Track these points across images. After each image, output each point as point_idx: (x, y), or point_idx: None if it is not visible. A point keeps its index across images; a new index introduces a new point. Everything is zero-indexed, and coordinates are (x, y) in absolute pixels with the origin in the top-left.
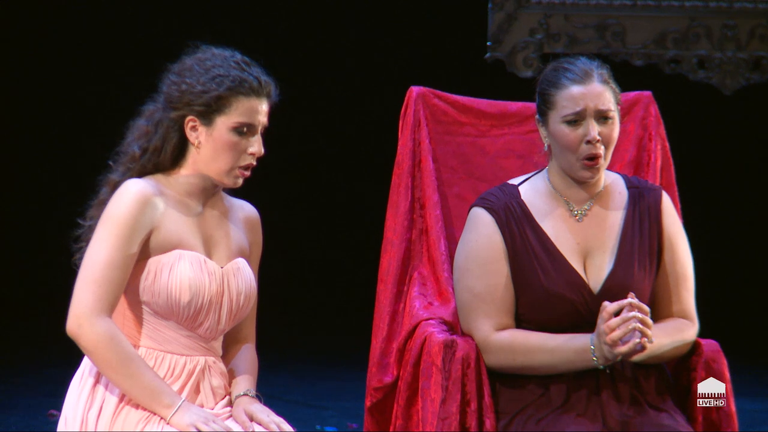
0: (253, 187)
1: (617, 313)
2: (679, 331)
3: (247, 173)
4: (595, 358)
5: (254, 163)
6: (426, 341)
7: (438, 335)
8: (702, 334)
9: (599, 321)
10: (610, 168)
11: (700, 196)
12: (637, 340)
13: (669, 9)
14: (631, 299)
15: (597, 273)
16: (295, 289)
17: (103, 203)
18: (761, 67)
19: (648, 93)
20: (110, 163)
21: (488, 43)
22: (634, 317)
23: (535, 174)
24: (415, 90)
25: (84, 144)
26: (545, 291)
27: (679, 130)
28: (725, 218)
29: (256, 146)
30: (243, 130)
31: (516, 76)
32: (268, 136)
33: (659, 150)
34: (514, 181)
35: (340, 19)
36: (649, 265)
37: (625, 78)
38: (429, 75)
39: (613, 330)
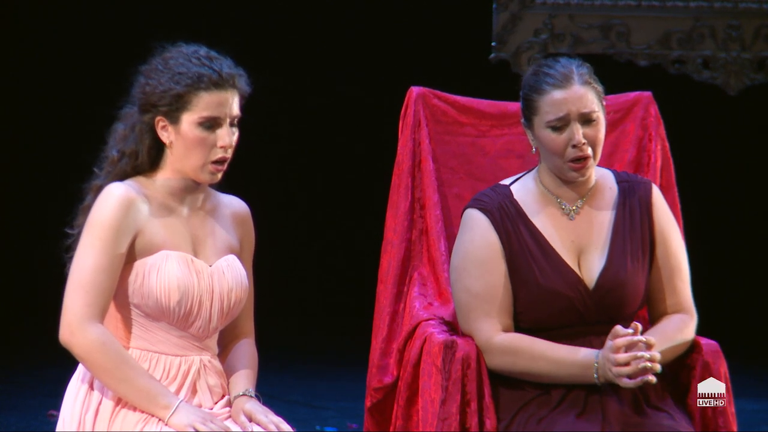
0: (252, 186)
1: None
2: (679, 331)
3: (222, 167)
4: (596, 376)
5: (227, 156)
6: (426, 342)
7: (438, 336)
8: (702, 334)
9: (607, 346)
10: (608, 168)
11: (703, 197)
12: (646, 378)
13: (673, 9)
14: (641, 336)
15: (591, 269)
16: (295, 289)
17: (89, 209)
18: (766, 67)
19: (648, 93)
20: (95, 169)
21: (493, 44)
22: (643, 357)
23: (525, 174)
24: (415, 90)
25: (81, 147)
26: (542, 288)
27: (683, 130)
28: (728, 218)
29: (226, 139)
30: (209, 124)
31: (520, 77)
32: (267, 136)
33: (659, 150)
34: (506, 182)
35: (352, 18)
36: (642, 257)
37: (629, 78)
38: (433, 75)
39: (622, 365)
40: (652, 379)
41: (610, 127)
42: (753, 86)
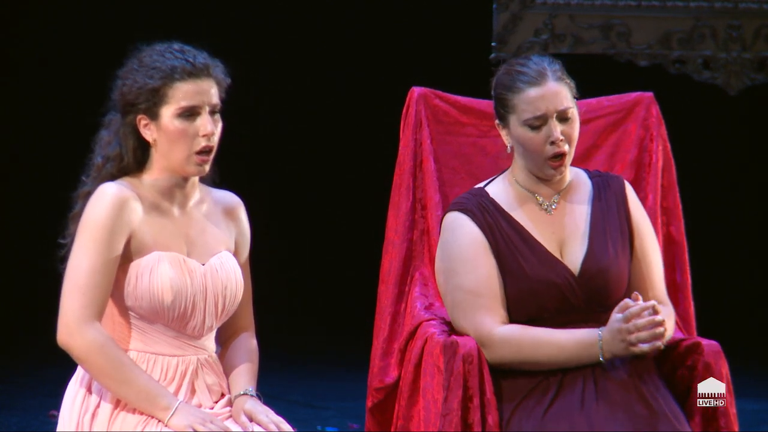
0: (252, 186)
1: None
2: (669, 319)
3: (207, 158)
4: (601, 352)
5: (211, 144)
6: (427, 342)
7: (439, 336)
8: (702, 334)
9: (616, 318)
10: (611, 169)
11: (703, 197)
12: (658, 343)
13: (674, 9)
14: (653, 302)
15: (574, 258)
16: (296, 290)
17: (79, 217)
18: (766, 67)
19: (649, 94)
20: (83, 177)
21: (493, 44)
22: (661, 321)
23: (497, 176)
24: (416, 90)
25: (81, 148)
26: (531, 280)
27: (683, 130)
28: (728, 218)
29: (207, 126)
30: (188, 113)
31: None
32: (268, 135)
33: (660, 151)
34: (480, 185)
35: (352, 18)
36: (622, 245)
37: (629, 78)
38: (433, 75)
39: (639, 330)
40: (661, 345)
41: (611, 127)
42: (753, 86)
